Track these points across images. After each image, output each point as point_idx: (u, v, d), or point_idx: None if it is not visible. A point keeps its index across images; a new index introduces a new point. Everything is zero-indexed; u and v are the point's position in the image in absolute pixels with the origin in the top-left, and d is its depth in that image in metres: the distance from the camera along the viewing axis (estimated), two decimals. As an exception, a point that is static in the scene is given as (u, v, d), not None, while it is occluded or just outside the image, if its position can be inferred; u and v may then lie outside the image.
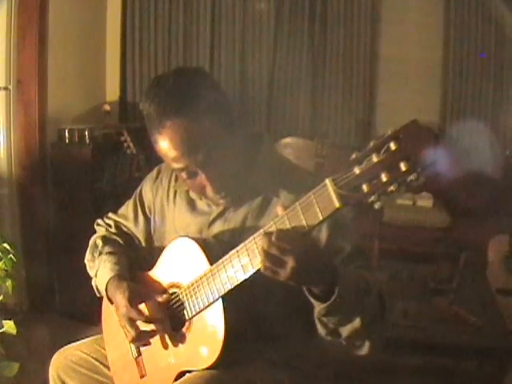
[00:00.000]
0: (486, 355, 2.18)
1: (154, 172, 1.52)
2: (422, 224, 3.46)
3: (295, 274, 1.03)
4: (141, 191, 1.52)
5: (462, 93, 3.92)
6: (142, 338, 1.33)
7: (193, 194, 1.40)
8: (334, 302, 1.07)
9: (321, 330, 1.17)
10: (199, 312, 1.24)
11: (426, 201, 3.59)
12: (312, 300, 1.11)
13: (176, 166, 1.23)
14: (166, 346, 1.32)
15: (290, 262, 1.02)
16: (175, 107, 1.18)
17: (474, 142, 3.71)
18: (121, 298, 1.32)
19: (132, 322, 1.31)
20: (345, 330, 1.13)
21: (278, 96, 4.00)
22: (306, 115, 4.00)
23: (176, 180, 1.45)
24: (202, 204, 1.38)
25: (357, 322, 1.11)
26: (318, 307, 1.10)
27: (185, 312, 1.27)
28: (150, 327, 1.32)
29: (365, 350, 1.18)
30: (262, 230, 1.08)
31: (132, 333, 1.31)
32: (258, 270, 1.10)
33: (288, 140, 3.78)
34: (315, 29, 3.95)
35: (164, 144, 1.21)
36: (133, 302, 1.30)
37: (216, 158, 1.21)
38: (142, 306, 1.32)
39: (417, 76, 3.88)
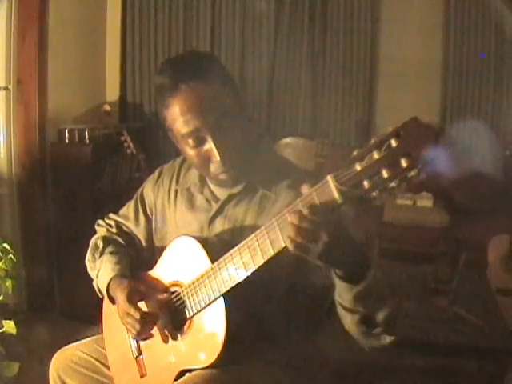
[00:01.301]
0: (486, 355, 2.18)
1: (156, 173, 1.52)
2: (422, 224, 3.45)
3: (327, 250, 0.99)
4: (142, 192, 1.53)
5: (461, 93, 3.92)
6: (143, 335, 1.34)
7: (194, 189, 1.40)
8: (371, 282, 1.04)
9: (352, 320, 1.12)
10: (200, 311, 1.24)
11: (425, 201, 3.59)
12: (343, 285, 1.07)
13: (186, 129, 1.24)
14: (166, 345, 1.32)
15: (324, 237, 0.98)
16: (190, 72, 1.23)
17: (473, 142, 3.71)
18: (121, 295, 1.32)
19: (132, 318, 1.31)
20: (381, 314, 1.09)
21: (278, 96, 3.99)
22: (306, 115, 3.99)
23: (177, 180, 1.45)
24: (201, 200, 1.38)
25: (391, 303, 1.08)
26: (353, 290, 1.06)
27: (186, 311, 1.27)
28: (152, 324, 1.32)
29: (389, 338, 1.14)
30: (263, 227, 1.08)
31: (133, 330, 1.31)
32: (259, 269, 1.10)
33: (288, 140, 3.78)
34: (315, 29, 3.95)
35: (177, 107, 1.23)
36: (133, 298, 1.30)
37: (225, 127, 1.23)
38: (142, 304, 1.32)
39: (417, 76, 3.88)
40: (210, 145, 1.24)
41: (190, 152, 1.28)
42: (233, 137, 1.24)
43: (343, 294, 1.09)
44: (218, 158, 1.24)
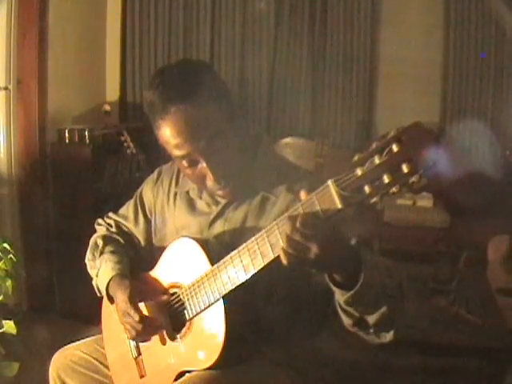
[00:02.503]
0: (486, 355, 2.18)
1: (155, 174, 1.52)
2: (422, 224, 3.45)
3: (318, 260, 1.01)
4: (141, 193, 1.53)
5: (462, 93, 3.91)
6: (141, 336, 1.34)
7: (193, 194, 1.40)
8: (360, 289, 1.04)
9: (346, 322, 1.13)
10: (200, 312, 1.24)
11: (426, 201, 3.58)
12: (336, 290, 1.08)
13: (178, 153, 1.24)
14: (165, 346, 1.32)
15: (314, 249, 1.00)
16: (180, 94, 1.19)
17: (473, 142, 3.71)
18: (121, 295, 1.33)
19: (132, 319, 1.31)
20: (372, 318, 1.10)
21: (278, 96, 3.99)
22: (306, 115, 3.99)
23: (176, 182, 1.45)
24: (201, 204, 1.38)
25: (383, 307, 1.09)
26: (344, 296, 1.07)
27: (185, 312, 1.27)
28: (150, 327, 1.32)
29: (389, 336, 1.14)
30: (263, 231, 1.08)
31: (132, 331, 1.31)
32: (260, 271, 1.10)
33: (288, 140, 3.78)
34: (315, 29, 3.94)
35: (167, 130, 1.22)
36: (133, 299, 1.31)
37: (217, 147, 1.22)
38: (143, 305, 1.32)
39: (417, 76, 3.87)
40: (203, 165, 1.24)
41: (186, 170, 1.29)
42: (226, 154, 1.23)
43: (338, 296, 1.10)
44: (213, 178, 1.24)
